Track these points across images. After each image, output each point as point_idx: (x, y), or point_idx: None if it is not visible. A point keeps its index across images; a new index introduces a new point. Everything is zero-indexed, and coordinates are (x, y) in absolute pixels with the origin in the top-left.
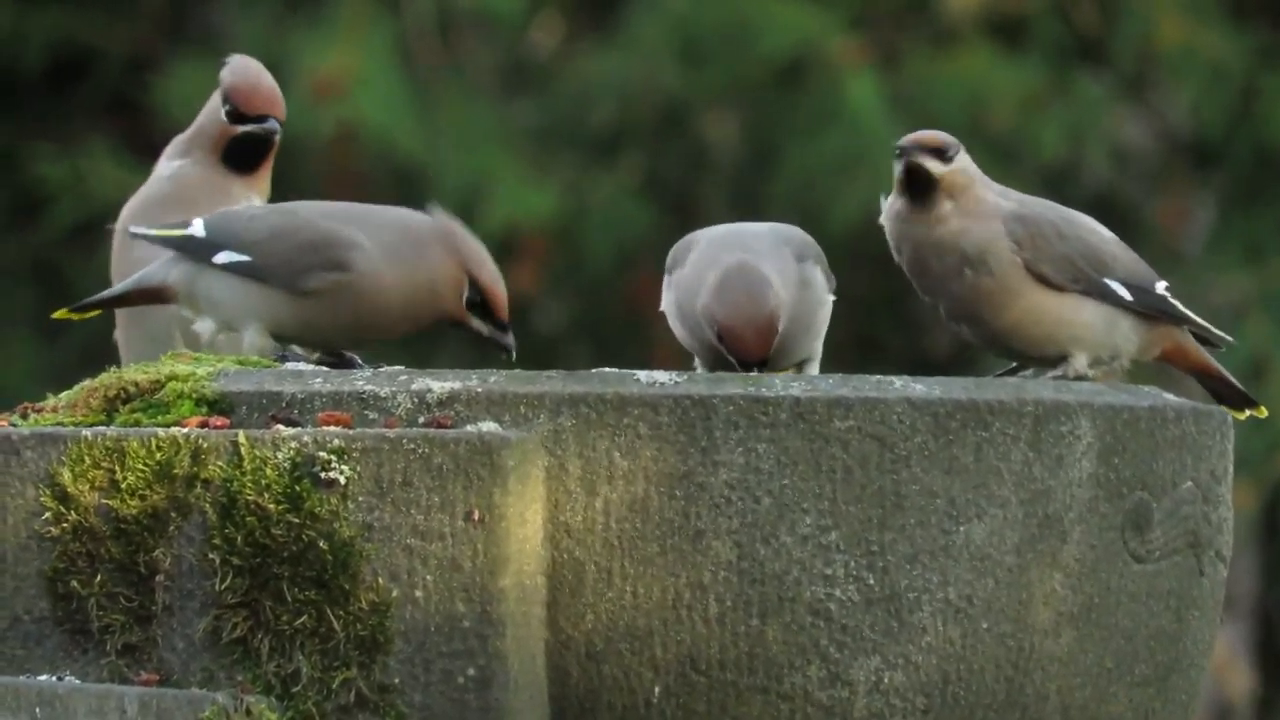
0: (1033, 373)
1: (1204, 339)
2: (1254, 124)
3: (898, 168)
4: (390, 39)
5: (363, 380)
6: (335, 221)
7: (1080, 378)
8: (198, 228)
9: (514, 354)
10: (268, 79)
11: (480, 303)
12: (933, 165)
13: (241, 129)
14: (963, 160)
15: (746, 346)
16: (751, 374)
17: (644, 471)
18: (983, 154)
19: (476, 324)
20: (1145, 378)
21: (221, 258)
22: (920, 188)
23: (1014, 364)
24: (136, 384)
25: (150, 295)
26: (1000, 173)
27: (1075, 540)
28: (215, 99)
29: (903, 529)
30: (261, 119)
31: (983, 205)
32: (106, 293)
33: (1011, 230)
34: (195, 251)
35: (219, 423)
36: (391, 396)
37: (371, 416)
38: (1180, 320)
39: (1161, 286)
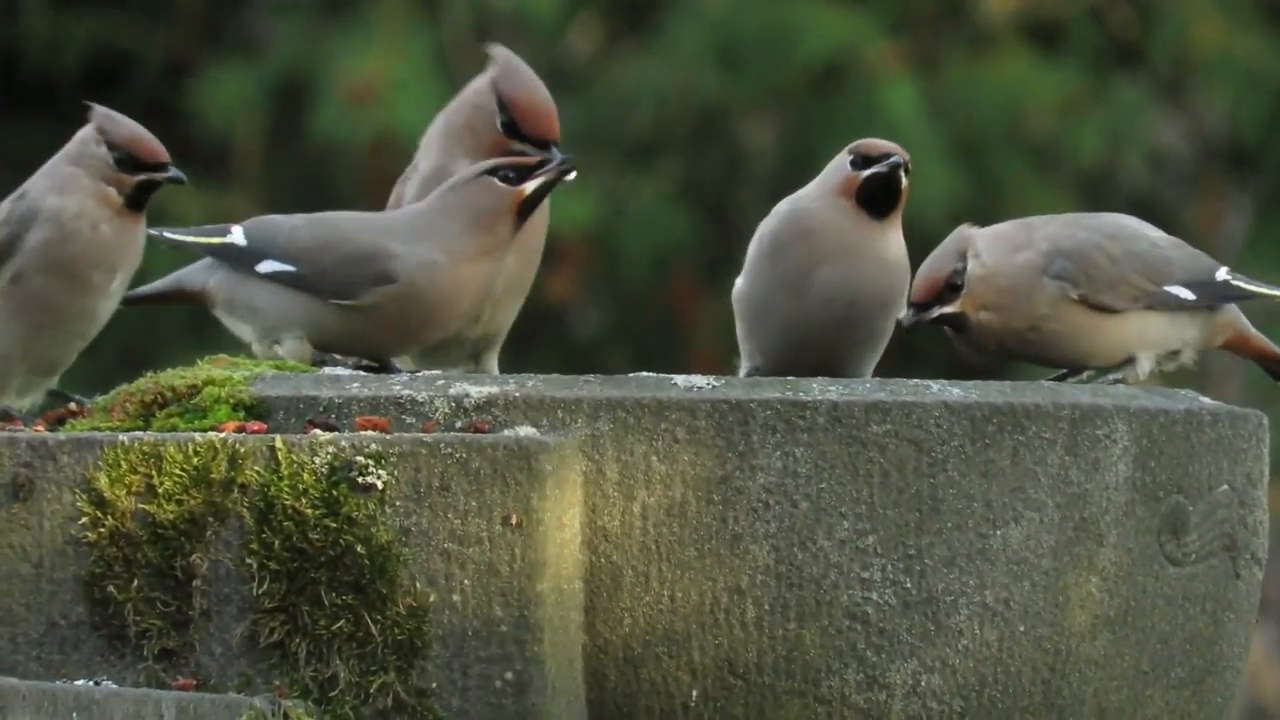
0: (1089, 375)
1: None
2: None
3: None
4: (428, 44)
5: (400, 385)
6: (378, 233)
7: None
8: (238, 235)
9: (572, 169)
10: (544, 91)
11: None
12: (948, 310)
13: (517, 145)
14: (975, 271)
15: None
16: (788, 379)
17: (681, 476)
18: (1021, 159)
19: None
20: (1185, 380)
21: (265, 267)
22: (955, 329)
23: (1064, 370)
24: (173, 388)
25: (189, 298)
26: (1038, 177)
27: (1111, 544)
28: (483, 95)
29: (940, 532)
30: (543, 144)
31: (1018, 285)
32: (144, 289)
33: (1060, 270)
34: (236, 259)
35: (256, 427)
36: (429, 401)
37: (409, 421)
38: (1249, 298)
39: (1223, 272)
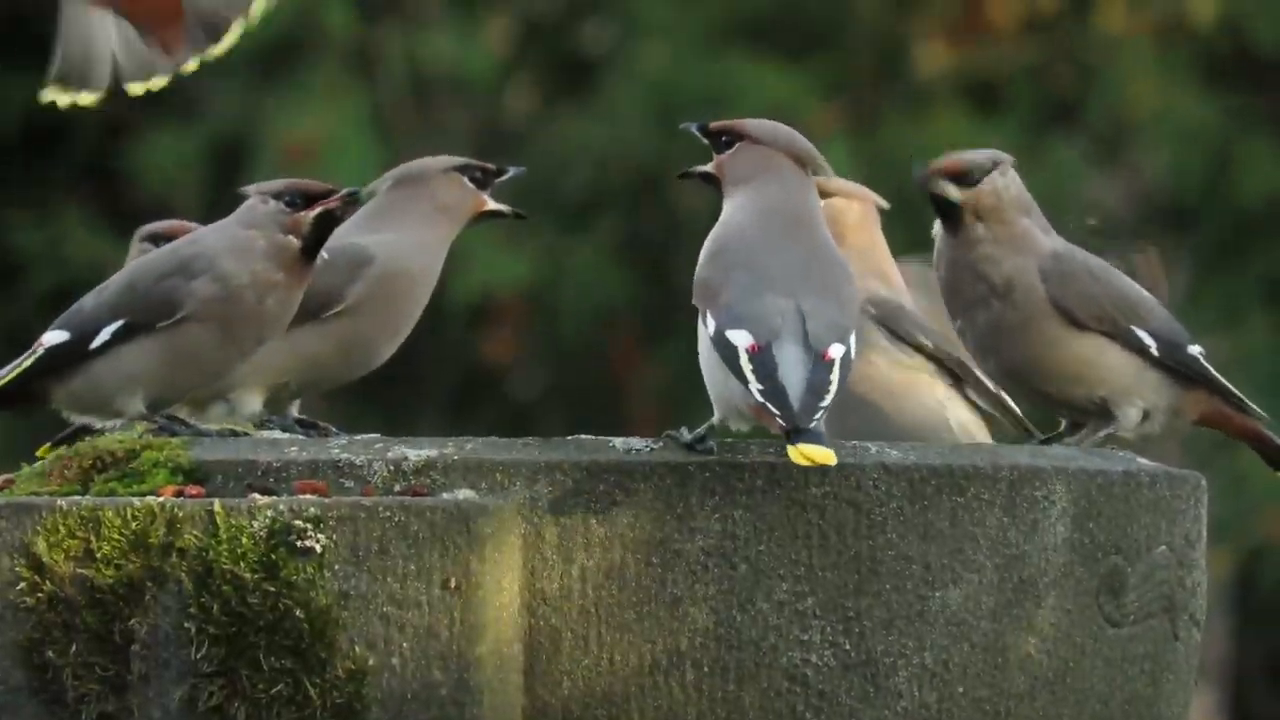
0: (1086, 431)
1: (1250, 410)
2: (1228, 187)
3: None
4: (364, 105)
5: (338, 448)
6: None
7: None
8: (56, 336)
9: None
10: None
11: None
12: (951, 190)
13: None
14: (993, 183)
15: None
16: (726, 441)
17: (620, 538)
18: None
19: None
20: (1124, 441)
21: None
22: (944, 213)
23: (1062, 425)
24: (111, 453)
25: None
26: None
27: (1050, 605)
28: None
29: (879, 594)
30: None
31: (1021, 236)
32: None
33: (1043, 264)
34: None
35: (195, 491)
36: (367, 464)
37: (348, 485)
38: (1208, 381)
39: (1195, 350)
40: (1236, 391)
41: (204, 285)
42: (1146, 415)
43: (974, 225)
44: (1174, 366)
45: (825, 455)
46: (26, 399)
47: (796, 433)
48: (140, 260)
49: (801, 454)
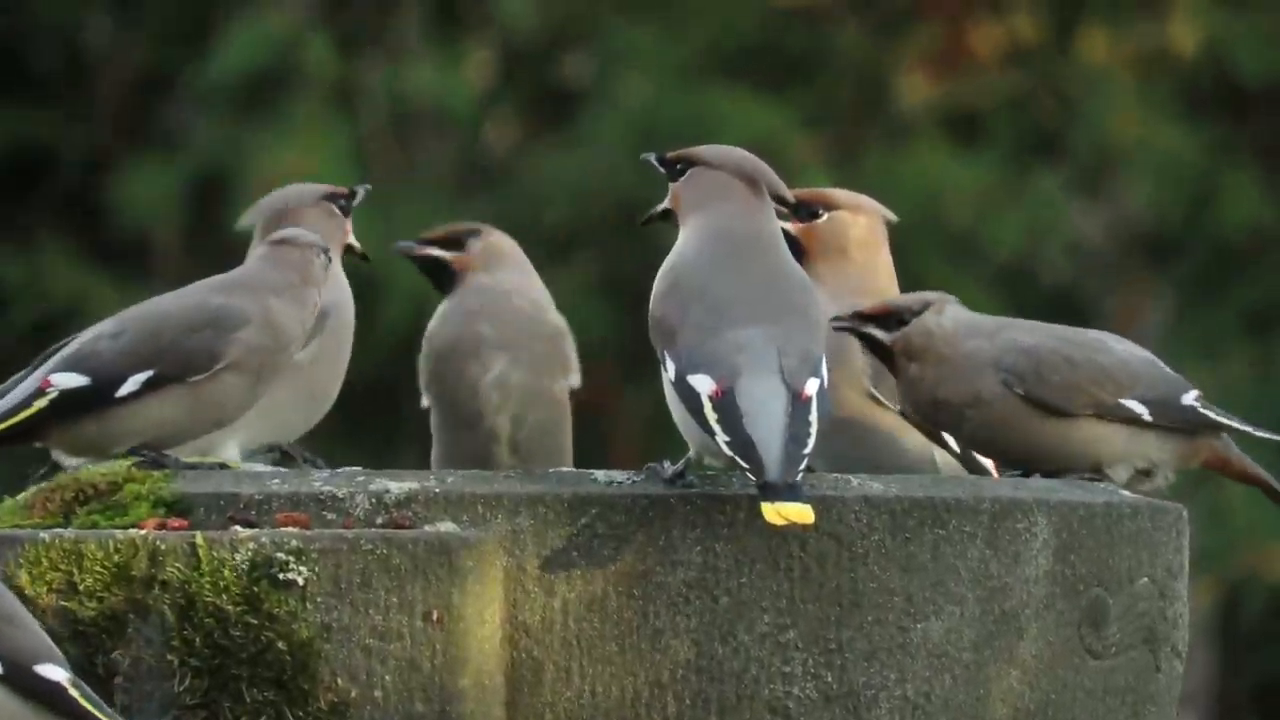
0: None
1: (1257, 439)
2: (1210, 218)
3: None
4: (345, 139)
5: (320, 481)
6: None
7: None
8: (67, 380)
9: None
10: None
11: None
12: (879, 334)
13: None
14: (923, 324)
15: None
16: (707, 474)
17: (602, 571)
18: (939, 251)
19: None
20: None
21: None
22: (879, 355)
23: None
24: (94, 485)
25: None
26: (957, 270)
27: (1032, 637)
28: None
29: (860, 627)
30: None
31: (965, 359)
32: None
33: (1010, 365)
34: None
35: (177, 524)
36: (349, 497)
37: (330, 517)
38: (1211, 425)
39: (1191, 397)
40: (1239, 426)
41: (250, 335)
42: (1148, 473)
43: (909, 365)
44: (1171, 425)
45: (802, 514)
46: (24, 438)
47: (771, 489)
48: (157, 308)
49: (778, 513)
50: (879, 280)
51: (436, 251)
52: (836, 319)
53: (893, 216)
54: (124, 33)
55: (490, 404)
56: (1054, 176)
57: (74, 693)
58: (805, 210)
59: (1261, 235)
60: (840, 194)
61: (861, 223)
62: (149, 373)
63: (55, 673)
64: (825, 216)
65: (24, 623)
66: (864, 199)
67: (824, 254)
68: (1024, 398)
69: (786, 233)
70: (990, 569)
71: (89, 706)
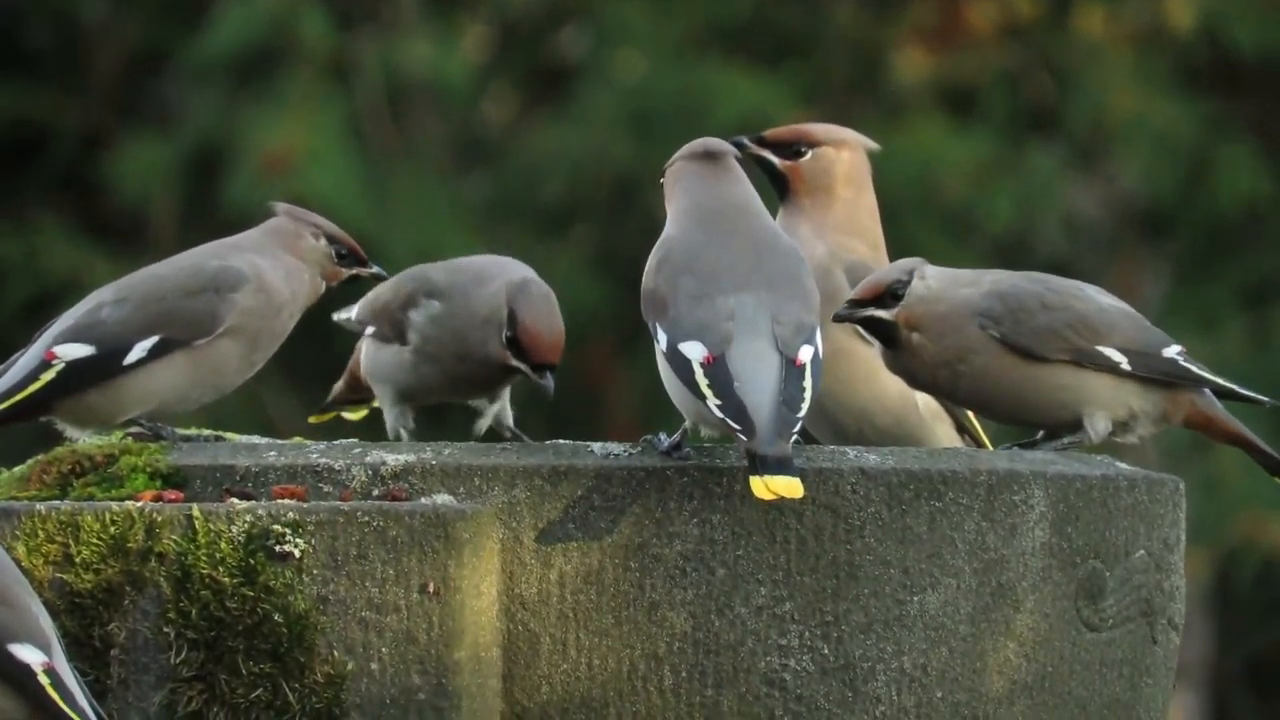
0: (1059, 442)
1: (1244, 398)
2: (1206, 193)
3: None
4: (341, 114)
5: (317, 453)
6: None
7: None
8: (73, 350)
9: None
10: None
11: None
12: (882, 314)
13: (515, 363)
14: (915, 292)
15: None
16: (704, 446)
17: (599, 543)
18: (934, 226)
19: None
20: (1102, 446)
21: (133, 355)
22: (884, 337)
23: (1038, 434)
24: (90, 458)
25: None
26: (953, 244)
27: (1029, 609)
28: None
29: (857, 599)
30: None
31: (953, 312)
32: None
33: (987, 310)
34: (89, 371)
35: (173, 496)
36: (346, 469)
37: (326, 489)
38: (1196, 383)
39: (1173, 350)
40: (1224, 383)
41: (247, 297)
42: (1126, 425)
43: (910, 335)
44: (1151, 376)
45: (791, 487)
46: (31, 413)
47: (761, 461)
48: (155, 274)
49: (766, 487)
50: (862, 218)
51: None
52: (837, 314)
53: (874, 145)
54: (119, 8)
55: None
56: (1050, 151)
57: (43, 679)
58: (788, 149)
59: (1257, 209)
60: (818, 129)
61: (845, 158)
62: (155, 338)
63: (29, 654)
64: (809, 154)
65: (14, 601)
66: (845, 131)
67: (810, 192)
68: (1002, 342)
69: (774, 170)
70: (987, 541)
71: (54, 695)
